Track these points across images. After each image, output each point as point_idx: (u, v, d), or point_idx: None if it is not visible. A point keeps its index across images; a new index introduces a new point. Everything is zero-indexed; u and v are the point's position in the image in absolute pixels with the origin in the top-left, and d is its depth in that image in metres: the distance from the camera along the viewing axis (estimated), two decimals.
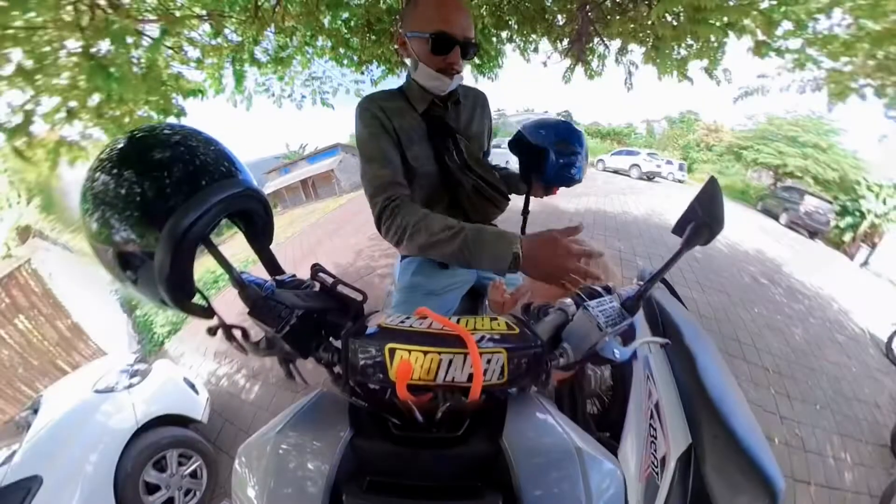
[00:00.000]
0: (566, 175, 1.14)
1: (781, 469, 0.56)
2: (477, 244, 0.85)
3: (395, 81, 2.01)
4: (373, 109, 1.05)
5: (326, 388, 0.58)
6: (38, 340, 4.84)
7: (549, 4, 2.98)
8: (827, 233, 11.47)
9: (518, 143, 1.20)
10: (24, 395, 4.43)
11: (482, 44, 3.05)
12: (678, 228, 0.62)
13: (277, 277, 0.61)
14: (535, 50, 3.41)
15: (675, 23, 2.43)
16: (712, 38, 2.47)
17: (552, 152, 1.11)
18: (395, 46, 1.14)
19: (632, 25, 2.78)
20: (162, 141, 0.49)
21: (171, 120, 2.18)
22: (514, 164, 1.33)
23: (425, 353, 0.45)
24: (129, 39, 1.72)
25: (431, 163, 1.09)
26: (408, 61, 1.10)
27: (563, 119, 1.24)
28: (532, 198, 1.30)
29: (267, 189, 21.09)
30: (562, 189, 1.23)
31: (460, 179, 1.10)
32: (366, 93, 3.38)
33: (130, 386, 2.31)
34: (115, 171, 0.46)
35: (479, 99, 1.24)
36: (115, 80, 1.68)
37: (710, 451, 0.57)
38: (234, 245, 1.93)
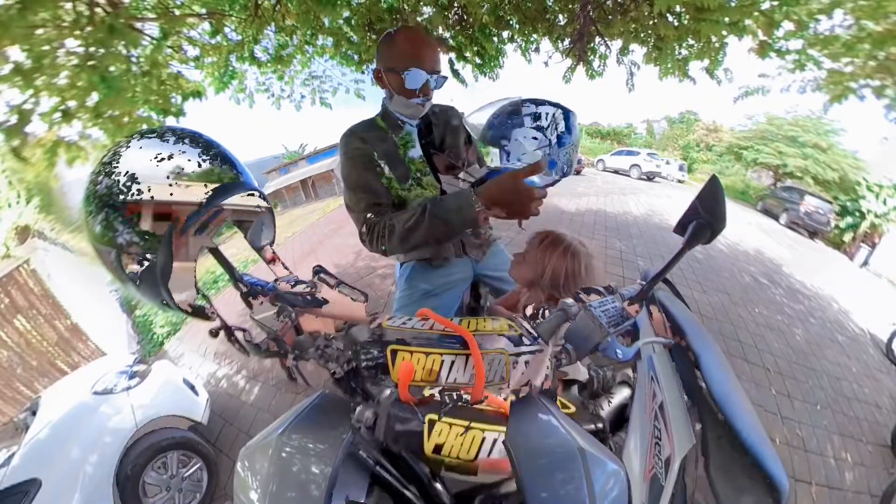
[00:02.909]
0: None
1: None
2: (441, 209, 0.93)
3: None
4: (354, 142, 1.14)
5: (328, 389, 0.58)
6: (37, 341, 4.83)
7: (550, 4, 2.97)
8: (827, 233, 11.48)
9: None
10: (22, 396, 4.43)
11: (483, 43, 3.05)
12: (680, 227, 0.61)
13: (279, 279, 0.61)
14: (537, 50, 3.40)
15: (676, 23, 2.43)
16: (714, 39, 2.47)
17: None
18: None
19: (633, 25, 2.78)
20: (164, 145, 0.50)
21: (171, 119, 2.17)
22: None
23: (427, 354, 0.45)
24: (123, 51, 1.71)
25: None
26: (383, 92, 1.20)
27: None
28: None
29: (267, 189, 21.08)
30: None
31: (442, 188, 1.20)
32: (366, 92, 3.40)
33: (129, 387, 2.30)
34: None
35: (450, 114, 1.33)
36: (111, 84, 1.67)
37: (715, 453, 0.56)
38: (235, 245, 1.92)
